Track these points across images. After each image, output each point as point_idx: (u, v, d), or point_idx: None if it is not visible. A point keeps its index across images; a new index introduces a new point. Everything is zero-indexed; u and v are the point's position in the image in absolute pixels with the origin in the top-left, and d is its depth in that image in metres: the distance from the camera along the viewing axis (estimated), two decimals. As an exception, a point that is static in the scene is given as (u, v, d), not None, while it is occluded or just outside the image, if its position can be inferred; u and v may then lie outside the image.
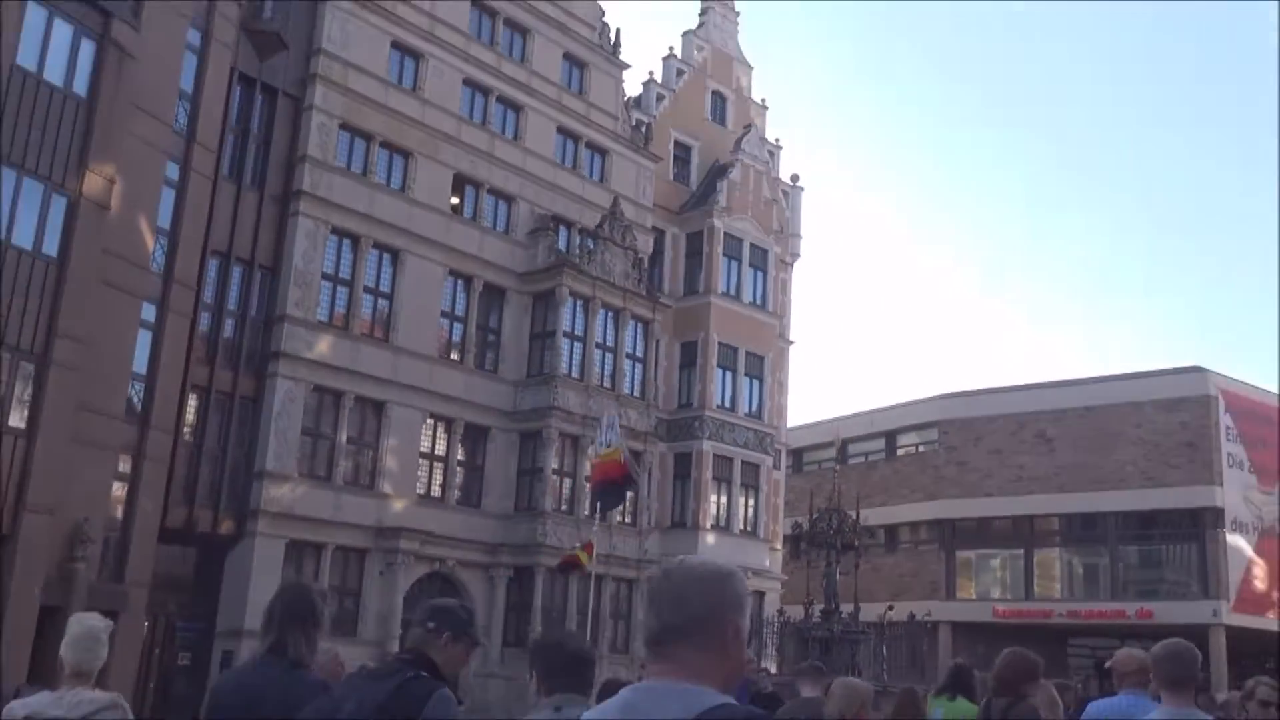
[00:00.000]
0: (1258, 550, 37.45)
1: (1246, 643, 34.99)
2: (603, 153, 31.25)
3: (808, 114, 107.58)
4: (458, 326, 27.46)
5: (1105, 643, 40.16)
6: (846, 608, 22.56)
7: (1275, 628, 37.13)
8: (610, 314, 29.02)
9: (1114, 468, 37.51)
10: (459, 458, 26.89)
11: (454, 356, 27.23)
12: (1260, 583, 37.35)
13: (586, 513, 27.64)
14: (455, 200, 27.73)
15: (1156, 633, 35.64)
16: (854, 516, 22.24)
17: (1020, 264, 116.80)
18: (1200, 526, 36.75)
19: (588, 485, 23.36)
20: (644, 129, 32.55)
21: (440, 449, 26.59)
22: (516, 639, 25.82)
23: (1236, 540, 36.79)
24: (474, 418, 26.95)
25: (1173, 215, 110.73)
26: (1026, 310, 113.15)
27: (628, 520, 28.26)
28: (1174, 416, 37.35)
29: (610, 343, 29.02)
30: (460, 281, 27.44)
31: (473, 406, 26.88)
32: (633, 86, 33.38)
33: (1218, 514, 36.49)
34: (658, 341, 30.88)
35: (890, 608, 20.64)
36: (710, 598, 2.16)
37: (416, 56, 27.12)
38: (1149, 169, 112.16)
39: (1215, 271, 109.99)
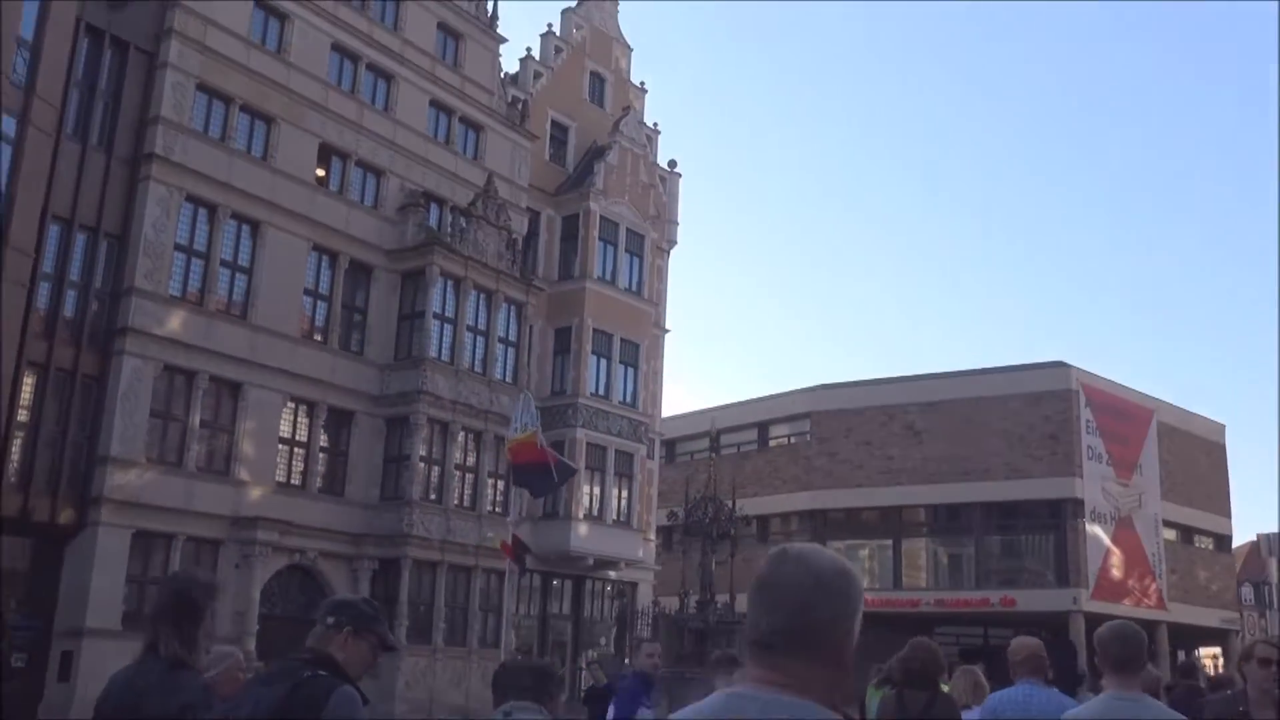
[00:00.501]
0: (1114, 540, 38.42)
1: (1103, 630, 35.85)
2: (477, 129, 30.17)
3: (687, 99, 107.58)
4: (321, 305, 26.08)
5: (970, 630, 40.87)
6: (722, 598, 22.04)
7: (1130, 614, 38.21)
8: (482, 295, 28.01)
9: (980, 459, 38.05)
10: (321, 443, 25.54)
11: (317, 337, 25.86)
12: (1116, 571, 38.34)
13: (456, 502, 26.67)
14: (321, 172, 26.31)
15: (1019, 620, 36.39)
16: (730, 505, 21.72)
17: (894, 257, 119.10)
18: (1061, 517, 37.54)
19: (511, 463, 22.33)
20: (520, 106, 31.56)
21: (301, 434, 25.21)
22: (380, 633, 24.64)
23: (1095, 530, 37.68)
24: (337, 401, 25.64)
25: (1040, 215, 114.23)
26: (898, 302, 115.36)
27: (499, 509, 27.28)
28: (1038, 410, 38.05)
29: (482, 325, 28.02)
30: (325, 258, 26.06)
31: (336, 390, 25.57)
32: (510, 63, 32.42)
33: (1078, 505, 37.32)
34: (531, 326, 29.99)
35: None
36: (833, 601, 1.94)
37: (281, 17, 25.60)
38: (1015, 171, 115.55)
39: (1079, 269, 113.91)
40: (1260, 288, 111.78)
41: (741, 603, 22.75)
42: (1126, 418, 39.98)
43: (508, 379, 28.31)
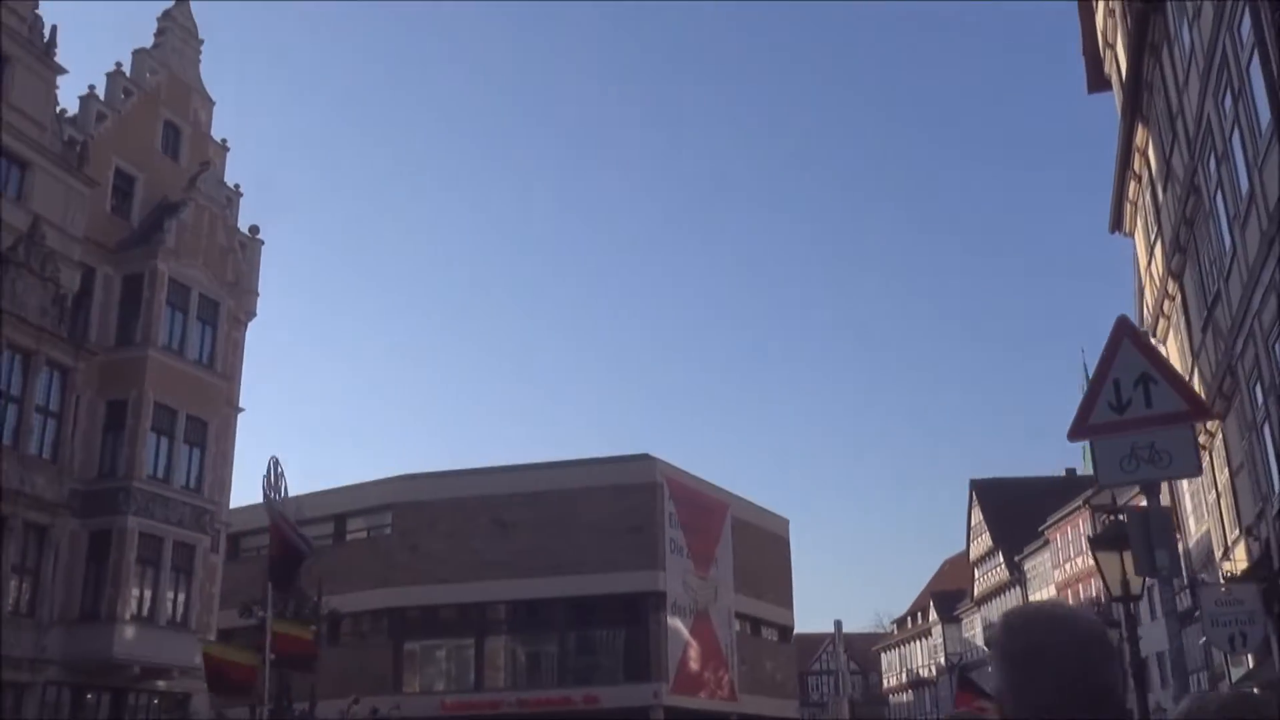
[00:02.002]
0: (693, 632, 38.92)
1: (682, 723, 35.95)
2: (23, 165, 26.00)
3: (274, 162, 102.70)
4: None
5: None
6: (300, 705, 19.41)
7: (706, 707, 38.67)
8: (20, 357, 23.82)
9: (568, 553, 37.40)
10: None
11: None
12: (694, 664, 38.79)
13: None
14: None
15: (602, 718, 35.81)
16: (317, 599, 19.28)
17: (483, 348, 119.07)
18: (644, 610, 37.53)
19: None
20: (79, 148, 27.69)
21: None
22: None
23: (676, 623, 37.98)
24: None
25: (611, 308, 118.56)
26: (490, 398, 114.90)
27: (23, 610, 22.86)
28: (625, 502, 38.09)
29: (16, 391, 23.77)
30: None
31: None
32: (68, 99, 28.49)
33: (660, 598, 37.49)
34: (78, 396, 25.91)
35: (356, 700, 17.84)
36: (1110, 664, 1.86)
37: None
38: (598, 259, 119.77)
39: (658, 361, 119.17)
40: (804, 382, 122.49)
41: (325, 709, 20.25)
42: (705, 511, 41.01)
43: (45, 455, 24.11)
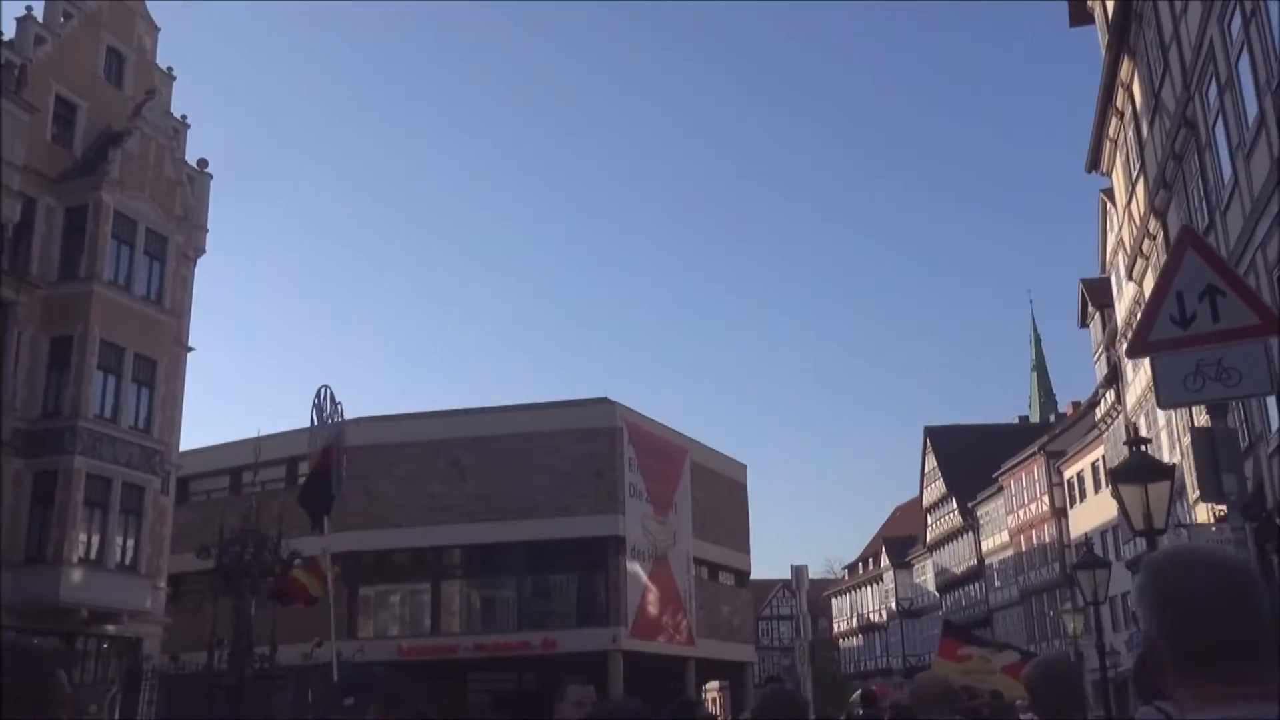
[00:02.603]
0: (651, 577, 38.66)
1: (639, 666, 35.72)
2: (-42, 88, 24.74)
3: (221, 96, 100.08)
4: None
5: (505, 676, 39.43)
6: (261, 649, 18.80)
7: (664, 651, 38.55)
8: (-43, 289, 22.73)
9: (525, 497, 36.86)
10: None
11: None
12: (653, 609, 38.56)
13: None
14: None
15: (560, 663, 35.47)
16: (276, 539, 18.58)
17: (438, 290, 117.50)
18: (604, 555, 37.15)
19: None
20: (17, 72, 26.37)
21: None
22: None
23: (635, 568, 37.67)
24: None
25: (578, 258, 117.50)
26: (444, 343, 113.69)
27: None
28: (583, 446, 37.56)
29: (-45, 326, 22.71)
30: None
31: None
32: (5, 23, 27.13)
33: (619, 542, 37.13)
34: (20, 332, 24.90)
35: (319, 643, 17.30)
36: (1265, 604, 1.83)
37: None
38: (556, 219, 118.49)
39: (616, 306, 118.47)
40: (768, 326, 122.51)
41: (286, 654, 19.63)
42: (664, 456, 40.62)
43: (-14, 392, 23.11)
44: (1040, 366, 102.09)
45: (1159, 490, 8.24)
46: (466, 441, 37.76)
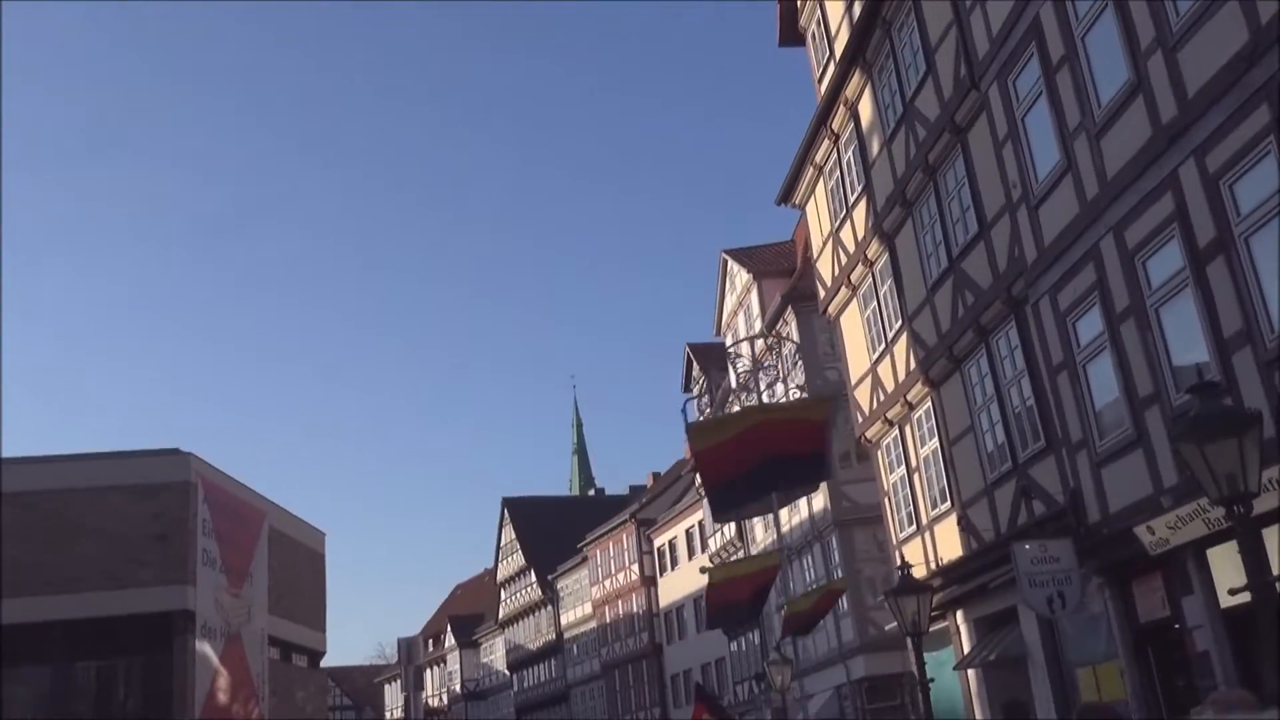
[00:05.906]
0: (223, 659, 33.33)
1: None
2: None
3: None
4: None
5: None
6: None
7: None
8: None
9: (72, 566, 30.41)
10: None
11: None
12: (224, 695, 33.16)
13: None
14: None
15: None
16: None
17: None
18: (169, 633, 31.42)
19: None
20: None
21: None
22: None
23: (205, 649, 32.23)
24: None
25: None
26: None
27: None
28: (147, 505, 31.72)
29: None
30: None
31: None
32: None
33: (189, 618, 31.59)
34: None
35: None
36: None
37: None
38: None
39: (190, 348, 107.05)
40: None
41: None
42: (241, 519, 35.54)
43: None
44: (581, 450, 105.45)
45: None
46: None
